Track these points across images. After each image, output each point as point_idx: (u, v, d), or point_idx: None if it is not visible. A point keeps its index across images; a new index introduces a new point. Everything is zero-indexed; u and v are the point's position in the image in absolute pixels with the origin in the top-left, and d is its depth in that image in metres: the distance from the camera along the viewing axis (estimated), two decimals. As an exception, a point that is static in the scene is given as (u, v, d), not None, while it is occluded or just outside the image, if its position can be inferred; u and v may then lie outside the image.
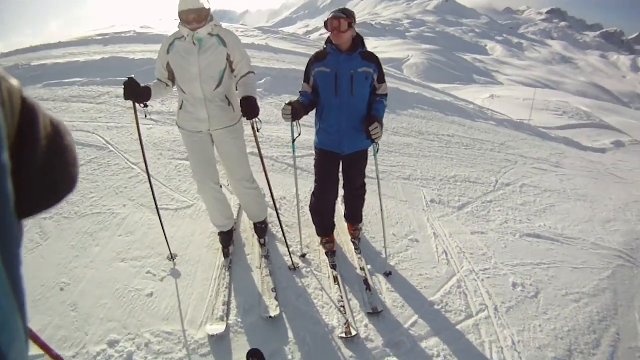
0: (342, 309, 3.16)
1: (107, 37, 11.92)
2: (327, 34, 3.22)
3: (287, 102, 3.17)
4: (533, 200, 5.76)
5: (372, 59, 3.27)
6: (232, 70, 3.26)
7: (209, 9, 3.06)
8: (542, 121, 15.12)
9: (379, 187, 3.63)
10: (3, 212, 0.45)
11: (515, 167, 7.06)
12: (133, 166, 4.88)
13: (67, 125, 0.57)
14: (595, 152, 10.83)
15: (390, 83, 3.57)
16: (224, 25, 3.34)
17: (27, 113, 0.50)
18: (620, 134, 15.39)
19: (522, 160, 7.59)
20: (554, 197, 6.12)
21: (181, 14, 3.00)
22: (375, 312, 3.14)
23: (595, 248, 4.81)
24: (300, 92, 3.44)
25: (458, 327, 3.19)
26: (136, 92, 3.03)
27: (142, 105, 3.16)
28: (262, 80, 8.40)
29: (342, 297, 3.26)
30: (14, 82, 0.48)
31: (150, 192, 3.48)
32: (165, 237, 3.53)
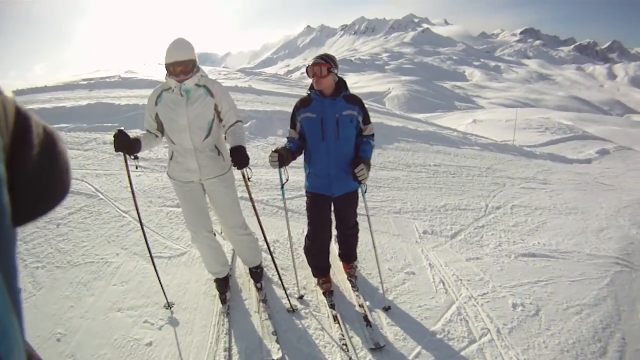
0: (344, 347, 3.19)
1: (92, 82, 12.13)
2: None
3: (274, 149, 3.29)
4: (525, 220, 5.88)
5: (355, 102, 3.42)
6: (221, 120, 3.36)
7: (195, 60, 3.17)
8: (526, 140, 15.44)
9: (369, 225, 3.73)
10: (2, 225, 0.46)
11: (504, 190, 7.22)
12: (124, 214, 4.92)
13: (59, 132, 0.59)
14: (581, 164, 11.07)
15: (374, 118, 3.71)
16: (206, 69, 3.44)
17: (21, 123, 0.52)
18: (604, 142, 15.73)
19: (510, 182, 7.76)
20: (545, 214, 6.25)
21: (168, 66, 3.11)
22: (378, 347, 3.17)
23: (591, 259, 4.90)
24: (287, 138, 3.56)
25: (462, 353, 3.23)
26: (127, 145, 3.10)
27: (132, 157, 3.25)
28: (248, 124, 8.53)
29: (343, 336, 3.29)
30: (8, 93, 0.50)
31: (143, 241, 3.52)
32: (161, 286, 3.55)
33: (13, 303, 0.47)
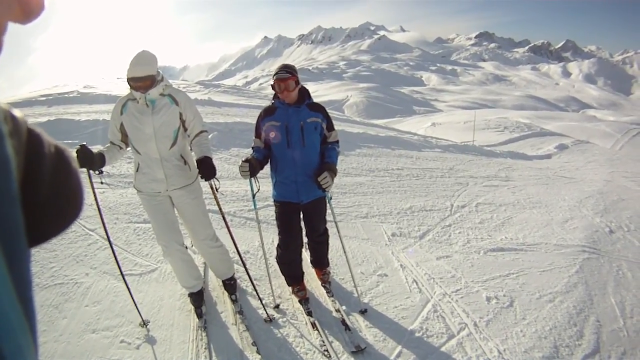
0: (326, 352, 3.25)
1: (51, 97, 11.87)
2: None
3: (244, 159, 3.36)
4: (490, 217, 6.14)
5: (319, 110, 3.56)
6: (185, 130, 3.40)
7: (154, 75, 3.20)
8: (486, 140, 16.02)
9: (338, 231, 3.84)
10: (17, 243, 0.46)
11: (468, 189, 7.52)
12: (91, 233, 4.80)
13: (70, 152, 0.61)
14: (541, 160, 11.60)
15: (334, 126, 3.82)
16: None
17: (32, 142, 0.52)
18: (562, 138, 16.50)
19: (473, 181, 8.08)
20: (510, 209, 6.53)
21: (128, 80, 3.14)
22: (359, 350, 3.25)
23: (559, 249, 5.19)
24: (253, 147, 3.63)
25: (443, 349, 3.35)
26: (90, 160, 3.08)
27: (97, 172, 3.24)
28: (210, 136, 8.46)
29: (323, 342, 3.35)
30: (19, 113, 0.51)
31: (112, 259, 3.47)
32: (135, 304, 3.52)
33: (27, 317, 0.47)
